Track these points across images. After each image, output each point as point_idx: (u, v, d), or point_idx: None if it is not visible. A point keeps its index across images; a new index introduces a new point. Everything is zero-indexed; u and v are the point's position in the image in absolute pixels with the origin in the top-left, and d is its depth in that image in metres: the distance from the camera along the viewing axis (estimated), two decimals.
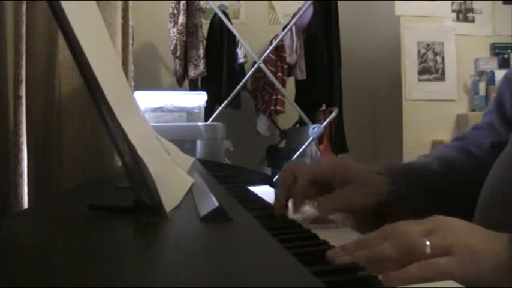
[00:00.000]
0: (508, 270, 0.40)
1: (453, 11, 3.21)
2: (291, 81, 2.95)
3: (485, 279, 0.39)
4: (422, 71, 3.11)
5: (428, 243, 0.40)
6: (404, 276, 0.37)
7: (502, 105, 0.75)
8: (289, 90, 2.90)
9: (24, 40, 0.62)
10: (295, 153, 2.63)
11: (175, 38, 2.64)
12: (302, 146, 2.61)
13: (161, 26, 2.91)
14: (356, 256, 0.39)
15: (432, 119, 3.05)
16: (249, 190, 0.83)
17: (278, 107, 2.77)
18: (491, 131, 0.76)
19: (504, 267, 0.40)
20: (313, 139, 2.59)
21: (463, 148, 0.76)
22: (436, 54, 3.13)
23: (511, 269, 0.40)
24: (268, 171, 2.81)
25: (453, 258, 0.39)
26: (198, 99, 1.88)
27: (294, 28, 2.73)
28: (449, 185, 0.71)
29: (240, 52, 2.81)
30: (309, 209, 0.62)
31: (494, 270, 0.40)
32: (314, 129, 2.57)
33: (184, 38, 2.64)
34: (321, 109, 2.92)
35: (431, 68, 3.12)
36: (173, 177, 0.47)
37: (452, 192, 0.70)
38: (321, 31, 2.76)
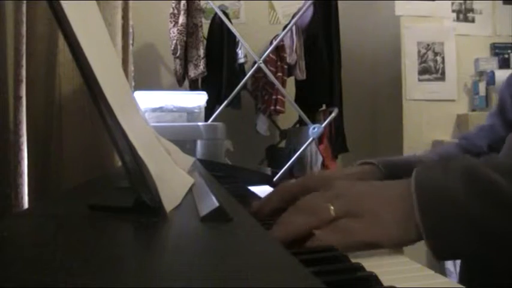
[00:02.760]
0: (406, 212, 0.43)
1: (453, 11, 3.21)
2: (291, 81, 2.95)
3: (390, 236, 0.43)
4: (423, 71, 3.11)
5: (332, 207, 0.45)
6: (318, 237, 0.43)
7: (503, 108, 0.76)
8: (289, 90, 2.90)
9: (24, 40, 0.62)
10: (295, 153, 2.63)
11: (175, 38, 2.64)
12: (302, 146, 2.61)
13: (161, 26, 2.91)
14: (276, 233, 0.44)
15: (432, 119, 3.05)
16: (249, 190, 0.84)
17: (278, 107, 2.76)
18: (492, 133, 0.77)
19: (404, 218, 0.43)
20: (313, 139, 2.59)
21: (463, 147, 0.78)
22: (436, 54, 3.12)
23: (410, 219, 0.43)
24: (268, 171, 2.81)
25: (356, 219, 0.44)
26: (198, 99, 1.88)
27: (294, 28, 2.73)
28: None
29: (240, 52, 2.81)
30: None
31: (396, 226, 0.44)
32: (314, 129, 2.57)
33: (185, 38, 2.64)
34: (321, 109, 2.92)
35: (431, 68, 3.12)
36: (173, 177, 0.47)
37: None
38: (321, 31, 2.76)
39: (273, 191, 0.64)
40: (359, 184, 0.49)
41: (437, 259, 0.44)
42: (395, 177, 0.66)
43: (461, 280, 0.66)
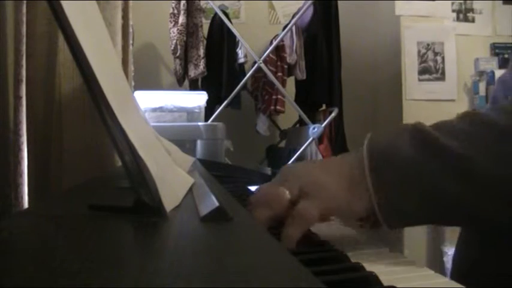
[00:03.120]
0: (358, 188, 0.45)
1: (453, 11, 3.21)
2: (291, 81, 2.95)
3: (340, 208, 0.45)
4: (423, 71, 3.11)
5: (286, 191, 0.46)
6: (287, 241, 0.43)
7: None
8: (289, 90, 2.90)
9: (24, 40, 0.62)
10: (295, 153, 2.63)
11: (175, 38, 2.64)
12: (302, 146, 2.61)
13: (161, 26, 2.91)
14: None
15: (432, 119, 3.03)
16: (249, 190, 0.83)
17: (278, 107, 2.77)
18: None
19: (354, 186, 0.45)
20: (313, 139, 2.59)
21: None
22: (436, 54, 3.12)
23: (360, 186, 0.45)
24: (268, 171, 2.81)
25: (309, 200, 0.45)
26: (198, 99, 1.88)
27: (294, 28, 2.73)
28: None
29: (240, 52, 2.81)
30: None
31: (346, 194, 0.45)
32: (314, 129, 2.57)
33: (185, 38, 2.64)
34: (321, 109, 2.92)
35: (432, 68, 3.12)
36: (173, 177, 0.47)
37: None
38: (321, 31, 2.76)
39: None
40: (309, 162, 0.52)
41: (388, 227, 0.45)
42: None
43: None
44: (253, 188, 0.85)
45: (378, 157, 0.46)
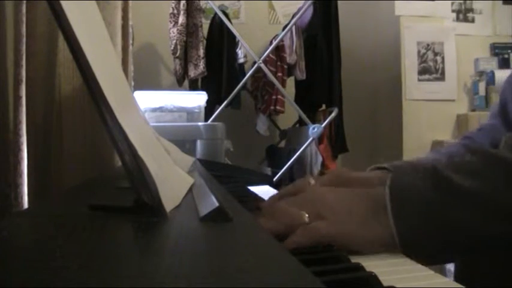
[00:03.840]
0: (374, 225, 0.47)
1: (453, 11, 3.21)
2: (291, 81, 2.95)
3: (353, 234, 0.46)
4: (422, 71, 3.11)
5: (306, 214, 0.48)
6: (290, 242, 0.45)
7: (504, 108, 0.76)
8: (289, 90, 2.90)
9: (24, 40, 0.62)
10: (295, 153, 2.63)
11: (175, 38, 2.64)
12: (302, 146, 2.61)
13: (161, 26, 2.91)
14: None
15: (432, 119, 3.05)
16: (249, 190, 0.83)
17: (278, 107, 2.77)
18: (493, 133, 0.77)
19: (370, 223, 0.47)
20: (313, 139, 2.59)
21: (466, 145, 0.78)
22: (436, 54, 3.12)
23: (377, 224, 0.47)
24: (268, 171, 2.81)
25: (324, 221, 0.47)
26: (198, 99, 1.88)
27: (294, 28, 2.73)
28: None
29: (240, 52, 2.81)
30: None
31: (359, 227, 0.47)
32: (314, 129, 2.57)
33: (184, 38, 2.64)
34: (321, 109, 2.92)
35: (431, 68, 3.12)
36: (173, 177, 0.47)
37: None
38: (321, 31, 2.76)
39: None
40: (334, 189, 0.52)
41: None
42: None
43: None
44: (253, 188, 0.85)
45: (400, 198, 0.48)
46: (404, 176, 0.50)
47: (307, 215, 0.48)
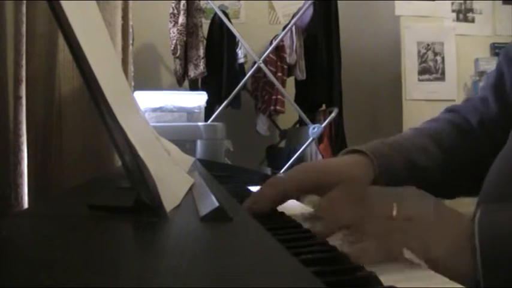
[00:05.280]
0: (460, 259, 0.40)
1: (453, 11, 3.21)
2: (291, 81, 2.95)
3: (435, 260, 0.40)
4: (422, 71, 3.11)
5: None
6: (366, 258, 0.39)
7: (500, 83, 0.71)
8: (289, 90, 2.90)
9: (24, 40, 0.62)
10: (295, 153, 2.63)
11: (175, 38, 2.64)
12: (302, 146, 2.61)
13: (161, 26, 2.91)
14: (353, 255, 0.40)
15: None
16: (249, 190, 0.83)
17: (278, 107, 2.77)
18: (482, 107, 0.73)
19: (458, 256, 0.41)
20: (313, 139, 2.59)
21: (454, 123, 0.74)
22: (436, 54, 3.13)
23: (464, 259, 0.40)
24: (268, 171, 2.81)
25: (406, 235, 0.41)
26: (198, 99, 1.88)
27: (294, 28, 2.73)
28: (435, 162, 0.70)
29: (240, 52, 2.81)
30: (305, 207, 0.62)
31: (449, 255, 0.41)
32: (314, 129, 2.57)
33: (185, 38, 2.64)
34: (321, 109, 2.92)
35: (431, 68, 3.12)
36: (173, 177, 0.47)
37: (438, 170, 0.70)
38: (321, 31, 2.76)
39: (264, 187, 0.62)
40: (435, 202, 0.46)
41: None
42: (390, 173, 0.65)
43: None
44: (253, 188, 0.85)
45: (491, 246, 0.41)
46: (495, 215, 0.42)
47: (395, 211, 0.43)
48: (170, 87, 3.14)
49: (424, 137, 0.73)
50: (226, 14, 2.81)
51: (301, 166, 0.68)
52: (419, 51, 3.11)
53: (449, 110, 0.79)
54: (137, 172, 0.34)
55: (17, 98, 0.61)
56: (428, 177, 0.69)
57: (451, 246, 0.42)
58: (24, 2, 0.62)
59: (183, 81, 2.79)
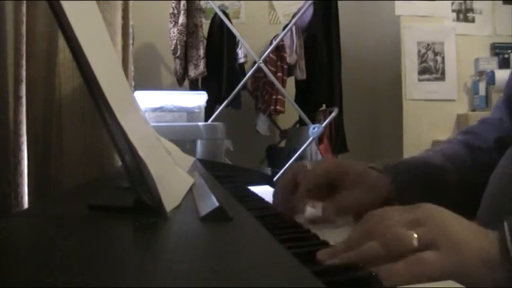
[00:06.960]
0: (494, 268, 0.38)
1: (453, 11, 3.21)
2: (291, 81, 2.95)
3: (470, 277, 0.37)
4: (422, 71, 3.11)
5: (415, 235, 0.39)
6: (393, 279, 0.36)
7: (510, 100, 0.73)
8: (289, 90, 2.90)
9: (24, 40, 0.62)
10: (295, 153, 2.63)
11: (175, 38, 2.64)
12: (302, 146, 2.61)
13: (161, 26, 2.91)
14: (345, 258, 0.39)
15: (432, 119, 3.05)
16: (249, 190, 0.83)
17: (278, 107, 2.77)
18: (499, 126, 0.74)
19: (491, 264, 0.38)
20: (313, 139, 2.59)
21: (467, 143, 0.74)
22: (436, 54, 3.12)
23: (498, 267, 0.38)
24: (268, 171, 2.81)
25: (438, 253, 0.38)
26: (198, 99, 1.88)
27: (294, 28, 2.73)
28: (451, 180, 0.70)
29: (240, 52, 2.81)
30: (309, 210, 0.62)
31: (480, 268, 0.38)
32: (314, 129, 2.57)
33: (185, 38, 2.64)
34: (321, 109, 2.92)
35: (431, 68, 3.12)
36: (173, 177, 0.47)
37: (454, 187, 0.69)
38: (321, 31, 2.76)
39: (287, 175, 0.62)
40: (450, 212, 0.42)
41: None
42: (400, 181, 0.65)
43: None
44: (253, 188, 0.85)
45: None
46: None
47: (415, 240, 0.38)
48: (170, 87, 3.14)
49: (437, 153, 0.73)
50: (226, 14, 2.81)
51: (328, 159, 0.68)
52: (419, 51, 3.11)
53: (463, 133, 0.79)
54: (137, 172, 0.34)
55: (17, 98, 0.61)
56: (445, 193, 0.69)
57: (484, 259, 0.38)
58: (24, 2, 0.62)
59: (183, 81, 2.79)
